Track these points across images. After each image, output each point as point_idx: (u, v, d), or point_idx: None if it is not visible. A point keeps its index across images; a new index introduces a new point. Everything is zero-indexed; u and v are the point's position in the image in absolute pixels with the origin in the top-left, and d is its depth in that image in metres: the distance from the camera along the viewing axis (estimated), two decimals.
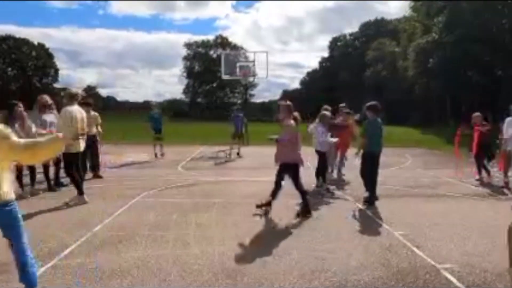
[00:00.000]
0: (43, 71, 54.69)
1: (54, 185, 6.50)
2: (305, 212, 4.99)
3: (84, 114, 5.86)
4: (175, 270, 3.24)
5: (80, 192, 5.57)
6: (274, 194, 5.09)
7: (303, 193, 5.05)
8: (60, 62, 75.18)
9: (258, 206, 5.10)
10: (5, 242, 2.46)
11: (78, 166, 5.71)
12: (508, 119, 6.96)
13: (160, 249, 3.74)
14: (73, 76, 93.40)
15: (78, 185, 5.56)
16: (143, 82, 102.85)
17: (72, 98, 5.75)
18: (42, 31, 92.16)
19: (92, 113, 7.56)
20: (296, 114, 5.17)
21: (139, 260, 3.45)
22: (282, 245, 3.90)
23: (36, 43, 54.53)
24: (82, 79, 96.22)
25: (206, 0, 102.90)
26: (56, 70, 57.32)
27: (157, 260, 3.45)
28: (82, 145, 5.68)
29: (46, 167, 6.46)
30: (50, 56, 55.67)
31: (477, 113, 7.97)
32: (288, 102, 5.21)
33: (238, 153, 12.22)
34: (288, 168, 5.03)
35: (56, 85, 56.22)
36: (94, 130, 7.58)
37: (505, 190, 6.88)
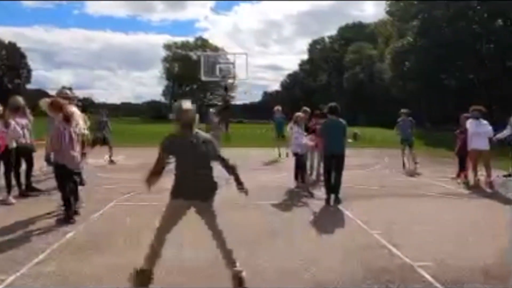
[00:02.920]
0: (15, 71, 52.65)
1: (26, 190, 6.25)
2: (65, 218, 4.62)
3: (80, 117, 5.68)
4: (154, 276, 3.17)
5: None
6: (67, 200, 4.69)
7: (65, 199, 4.66)
8: (33, 62, 72.36)
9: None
10: None
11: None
12: (469, 121, 7.37)
13: (136, 255, 3.62)
14: (47, 76, 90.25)
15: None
16: (121, 83, 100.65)
17: (68, 100, 5.57)
18: (14, 30, 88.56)
19: None
20: (70, 110, 4.81)
21: (114, 266, 3.35)
22: (261, 246, 3.88)
23: (7, 42, 52.48)
24: (57, 80, 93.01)
25: (185, 0, 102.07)
26: (29, 71, 55.37)
27: (132, 265, 3.35)
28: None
29: (17, 172, 6.20)
30: (22, 56, 53.69)
31: (466, 114, 8.11)
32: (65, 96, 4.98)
33: None
34: (62, 169, 4.67)
35: (28, 86, 54.33)
36: None
37: (489, 189, 7.07)
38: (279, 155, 11.55)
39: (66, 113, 4.72)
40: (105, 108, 11.68)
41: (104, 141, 10.54)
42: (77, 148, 4.81)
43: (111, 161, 10.56)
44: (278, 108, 12.50)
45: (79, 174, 5.17)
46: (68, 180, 4.70)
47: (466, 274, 3.25)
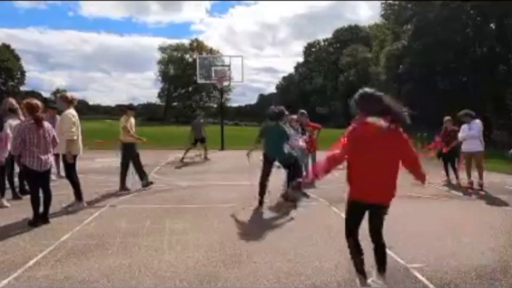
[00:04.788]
0: (9, 73, 52.24)
1: (19, 193, 6.20)
2: (30, 221, 4.63)
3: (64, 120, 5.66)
4: (147, 278, 3.16)
5: (79, 197, 5.44)
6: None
7: (32, 202, 4.65)
8: (27, 64, 72.02)
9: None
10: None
11: (75, 169, 5.57)
12: (463, 126, 7.49)
13: (131, 257, 3.63)
14: (41, 78, 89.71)
15: (78, 189, 5.44)
16: (116, 85, 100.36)
17: (69, 102, 5.54)
18: (8, 32, 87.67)
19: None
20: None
21: (109, 269, 3.33)
22: (257, 249, 3.88)
23: (0, 44, 52.09)
24: (51, 82, 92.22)
25: (180, 0, 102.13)
26: (23, 73, 55.00)
27: (128, 268, 3.35)
28: (81, 148, 5.60)
29: (10, 174, 6.15)
30: (16, 57, 53.32)
31: (448, 117, 8.38)
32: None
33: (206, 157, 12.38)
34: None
35: (22, 88, 53.98)
36: None
37: (469, 191, 7.22)
38: None
39: (37, 115, 4.67)
40: (203, 111, 13.28)
41: (202, 141, 12.09)
42: (49, 150, 4.77)
43: (206, 158, 12.14)
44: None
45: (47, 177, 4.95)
46: (36, 182, 4.68)
47: (460, 275, 3.28)
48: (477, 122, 7.36)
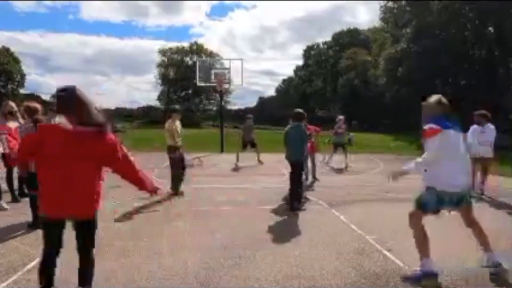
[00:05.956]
0: (8, 76, 52.24)
1: (19, 195, 6.18)
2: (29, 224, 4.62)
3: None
4: (147, 281, 3.15)
5: None
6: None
7: (31, 205, 4.61)
8: (27, 67, 71.74)
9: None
10: None
11: None
12: (474, 127, 7.19)
13: (131, 260, 3.62)
14: (41, 81, 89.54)
15: None
16: (115, 88, 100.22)
17: None
18: (8, 34, 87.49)
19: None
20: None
21: (109, 271, 3.32)
22: (256, 251, 3.87)
23: (0, 46, 52.11)
24: (51, 85, 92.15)
25: (181, 1, 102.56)
26: (23, 75, 54.98)
27: (127, 271, 3.34)
28: None
29: (9, 177, 6.14)
30: (16, 60, 53.32)
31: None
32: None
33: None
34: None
35: (22, 91, 53.91)
36: None
37: (482, 194, 7.11)
38: None
39: (37, 118, 4.63)
40: (251, 114, 13.20)
41: (252, 145, 11.74)
42: None
43: (260, 162, 11.48)
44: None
45: None
46: (35, 184, 4.67)
47: (460, 278, 3.27)
48: (492, 127, 6.99)
